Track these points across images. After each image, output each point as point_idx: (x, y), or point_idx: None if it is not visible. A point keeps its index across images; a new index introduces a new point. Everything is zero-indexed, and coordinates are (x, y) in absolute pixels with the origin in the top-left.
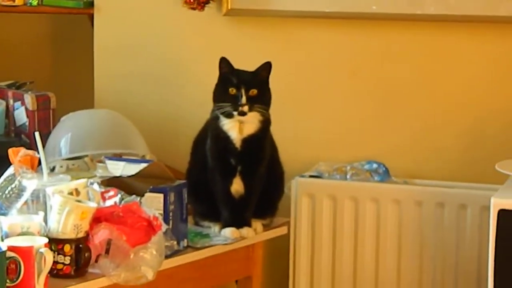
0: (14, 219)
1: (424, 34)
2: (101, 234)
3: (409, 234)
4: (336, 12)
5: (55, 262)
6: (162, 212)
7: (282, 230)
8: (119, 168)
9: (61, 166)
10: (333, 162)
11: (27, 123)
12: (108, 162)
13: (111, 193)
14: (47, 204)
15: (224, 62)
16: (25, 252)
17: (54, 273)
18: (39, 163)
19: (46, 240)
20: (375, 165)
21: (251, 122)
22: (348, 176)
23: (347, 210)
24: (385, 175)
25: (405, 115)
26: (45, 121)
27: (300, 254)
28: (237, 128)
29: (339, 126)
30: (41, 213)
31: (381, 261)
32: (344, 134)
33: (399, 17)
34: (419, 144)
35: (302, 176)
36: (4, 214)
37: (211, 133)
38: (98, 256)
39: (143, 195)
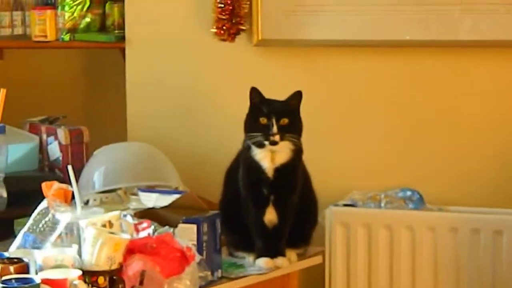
0: (48, 252)
1: (454, 60)
2: (135, 265)
3: (444, 261)
4: (366, 40)
5: None
6: (195, 242)
7: (317, 259)
8: (152, 200)
9: (95, 199)
10: (367, 191)
11: (60, 158)
12: (141, 194)
13: (145, 224)
14: (80, 237)
15: (254, 92)
16: (59, 285)
17: None
18: (73, 196)
19: (80, 272)
20: (409, 193)
21: (282, 152)
22: (382, 204)
23: (382, 238)
24: (419, 202)
25: (437, 141)
26: (78, 155)
27: (336, 283)
28: (269, 157)
29: (372, 154)
30: (75, 246)
31: None
32: (376, 162)
33: (430, 43)
34: (452, 170)
35: (336, 205)
36: (38, 248)
37: (243, 163)
38: None
39: (176, 226)
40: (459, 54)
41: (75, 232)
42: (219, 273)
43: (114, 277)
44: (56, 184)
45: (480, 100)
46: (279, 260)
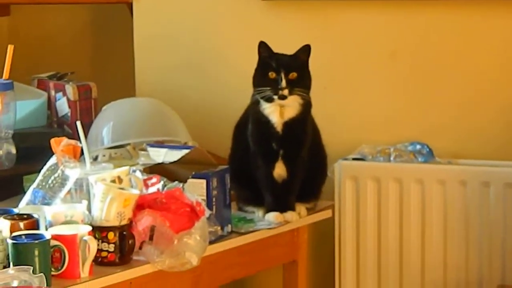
0: (57, 208)
1: (465, 12)
2: (145, 221)
3: (454, 214)
4: None
5: (99, 250)
6: (205, 197)
7: (327, 214)
8: (161, 155)
9: (104, 155)
10: (376, 144)
11: (69, 114)
12: (150, 149)
13: (154, 180)
14: (90, 192)
15: (263, 47)
16: (69, 240)
17: (99, 261)
18: (82, 152)
19: (89, 228)
20: (418, 146)
21: (291, 106)
22: (391, 158)
23: (391, 192)
24: (429, 155)
25: (446, 94)
26: (86, 111)
27: (345, 237)
28: (278, 112)
29: (381, 108)
30: (85, 202)
31: (427, 242)
32: (386, 116)
33: None
34: (462, 123)
35: (345, 159)
36: (47, 204)
37: (252, 118)
38: (142, 243)
39: (185, 181)
40: (470, 6)
41: (85, 188)
42: (228, 228)
43: (124, 233)
44: (65, 140)
45: (490, 53)
46: (289, 215)
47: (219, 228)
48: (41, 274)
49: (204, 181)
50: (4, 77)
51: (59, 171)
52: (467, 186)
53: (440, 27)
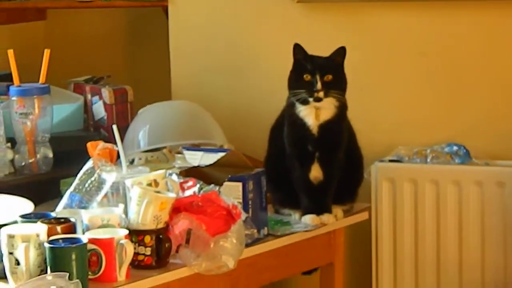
0: (94, 212)
1: (499, 13)
2: (181, 224)
3: (492, 216)
4: None
5: (136, 254)
6: (241, 200)
7: (363, 216)
8: (197, 158)
9: (140, 159)
10: (413, 146)
11: (105, 117)
12: (186, 152)
13: (190, 183)
14: (126, 196)
15: (298, 49)
16: (106, 244)
17: (136, 264)
18: (118, 156)
19: (126, 231)
20: (455, 147)
21: (327, 108)
22: (428, 160)
23: (428, 193)
24: (466, 157)
25: (482, 94)
26: (123, 114)
27: (382, 239)
28: (313, 114)
29: (417, 109)
30: (121, 205)
31: (464, 244)
32: (422, 117)
33: None
34: (499, 124)
35: (382, 161)
36: (84, 207)
37: (288, 120)
38: (178, 246)
39: (221, 184)
40: (502, 7)
41: (121, 192)
42: (265, 231)
43: (161, 236)
44: (101, 144)
45: None
46: (325, 217)
47: (255, 231)
48: (77, 280)
49: (240, 184)
50: (40, 81)
51: (95, 175)
52: (505, 187)
53: (476, 27)
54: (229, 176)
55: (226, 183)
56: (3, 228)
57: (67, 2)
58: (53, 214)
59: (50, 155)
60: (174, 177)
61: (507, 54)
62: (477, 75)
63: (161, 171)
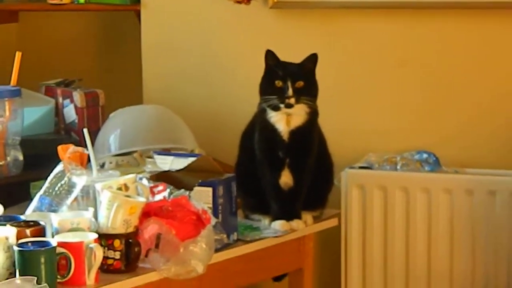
0: (64, 215)
1: (473, 22)
2: (151, 228)
3: (460, 223)
4: (383, 1)
5: (105, 258)
6: (211, 205)
7: (333, 222)
8: (167, 163)
9: (111, 162)
10: (383, 153)
11: (76, 120)
12: (157, 157)
13: (160, 187)
14: (96, 200)
15: (270, 55)
16: (75, 248)
17: (105, 268)
18: (89, 159)
19: (96, 235)
20: (425, 155)
21: (298, 114)
22: (398, 167)
23: (397, 200)
24: (435, 164)
25: (453, 104)
26: (94, 118)
27: (352, 245)
28: (284, 120)
29: (388, 117)
30: (91, 209)
31: (433, 251)
32: (393, 125)
33: (449, 5)
34: (469, 133)
35: (352, 168)
36: (54, 211)
37: (259, 126)
38: (148, 251)
39: (192, 189)
40: (478, 16)
41: (91, 195)
42: (234, 236)
43: (130, 240)
44: (72, 147)
45: (497, 62)
46: (295, 223)
47: (225, 236)
48: (45, 284)
49: (210, 189)
50: (12, 83)
51: (66, 178)
52: (474, 195)
53: (448, 36)
54: (200, 181)
55: (196, 188)
56: None
57: (39, 4)
58: (22, 217)
59: (21, 158)
60: (145, 181)
61: (479, 64)
62: (448, 84)
63: (132, 175)
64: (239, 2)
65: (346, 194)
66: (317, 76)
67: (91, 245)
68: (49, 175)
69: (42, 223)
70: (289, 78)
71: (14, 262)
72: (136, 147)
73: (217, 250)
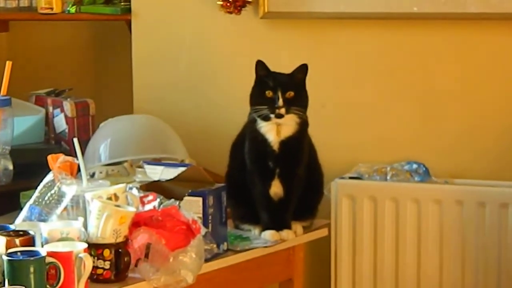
0: (53, 225)
1: (465, 34)
2: (141, 238)
3: (450, 234)
4: (372, 12)
5: (95, 267)
6: (201, 215)
7: (323, 232)
8: (157, 173)
9: (101, 172)
10: (373, 163)
11: (66, 130)
12: (147, 166)
13: (150, 197)
14: (86, 209)
15: (260, 65)
16: (65, 258)
17: (94, 278)
18: (79, 169)
19: (85, 245)
20: (415, 166)
21: (288, 125)
22: (388, 177)
23: (387, 211)
24: (425, 175)
25: (444, 115)
26: (84, 127)
27: (341, 255)
28: (275, 130)
29: (378, 128)
30: (81, 219)
31: (423, 261)
32: (383, 135)
33: (437, 16)
34: (459, 144)
35: (342, 178)
36: (44, 220)
37: (249, 136)
38: (137, 261)
39: (182, 199)
40: (467, 27)
41: (81, 205)
42: (224, 246)
43: (120, 250)
44: (62, 157)
45: (487, 73)
46: (285, 233)
47: (215, 246)
48: None
49: (200, 199)
50: (2, 93)
51: (55, 188)
52: (463, 206)
53: (438, 47)
54: (190, 191)
55: (186, 198)
56: None
57: (30, 14)
58: (12, 227)
59: (11, 167)
60: (135, 191)
61: (472, 76)
62: (439, 95)
63: (122, 185)
64: (230, 12)
65: (336, 205)
66: (307, 86)
67: (80, 255)
68: (39, 184)
69: (31, 232)
70: (279, 88)
71: (3, 271)
72: (126, 157)
73: (207, 260)
